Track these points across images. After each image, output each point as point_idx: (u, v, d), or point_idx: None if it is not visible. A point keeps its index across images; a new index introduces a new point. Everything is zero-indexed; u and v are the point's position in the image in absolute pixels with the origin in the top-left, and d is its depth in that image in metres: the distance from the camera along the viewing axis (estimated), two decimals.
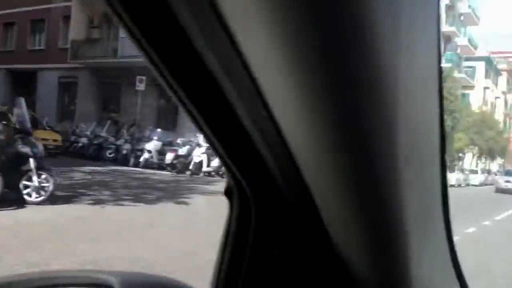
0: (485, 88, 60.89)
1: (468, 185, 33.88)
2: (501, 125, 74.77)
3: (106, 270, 1.41)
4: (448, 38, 43.15)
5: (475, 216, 12.79)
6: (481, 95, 58.79)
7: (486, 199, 21.37)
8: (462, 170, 33.66)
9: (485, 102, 60.36)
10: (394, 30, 0.41)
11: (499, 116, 71.98)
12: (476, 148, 45.19)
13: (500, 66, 73.18)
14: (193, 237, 6.57)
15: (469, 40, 46.86)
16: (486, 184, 38.93)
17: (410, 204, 0.57)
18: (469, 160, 48.09)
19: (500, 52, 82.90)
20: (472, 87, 57.76)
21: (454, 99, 28.73)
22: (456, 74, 46.97)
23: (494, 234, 10.00)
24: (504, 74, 76.57)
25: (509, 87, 79.85)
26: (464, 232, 9.55)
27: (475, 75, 57.73)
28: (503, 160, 66.73)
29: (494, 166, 67.73)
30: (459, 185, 30.73)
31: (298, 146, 0.55)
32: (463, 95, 52.83)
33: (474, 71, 58.31)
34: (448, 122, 27.82)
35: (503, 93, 75.20)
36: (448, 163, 34.19)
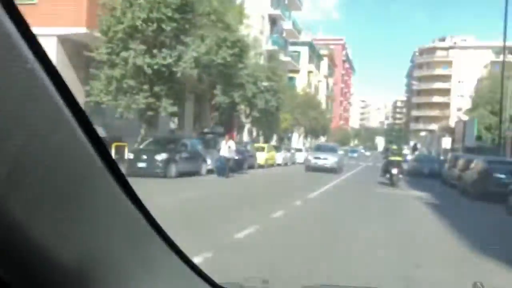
0: (309, 72, 65.00)
1: (294, 163, 35.06)
2: (324, 106, 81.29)
3: None
4: (274, 21, 44.11)
5: (286, 197, 12.06)
6: (305, 78, 62.44)
7: (300, 177, 21.39)
8: (288, 149, 34.48)
9: (309, 85, 64.37)
10: None
11: (322, 98, 78.05)
12: (302, 128, 47.59)
13: (322, 52, 79.21)
14: None
15: (293, 24, 48.67)
16: None
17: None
18: (296, 139, 50.70)
19: (322, 39, 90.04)
20: (297, 71, 61.02)
21: (278, 80, 28.86)
22: (282, 57, 48.62)
23: (302, 218, 9.01)
24: (326, 59, 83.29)
25: (330, 71, 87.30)
26: (271, 217, 8.40)
27: (300, 59, 61.13)
28: (325, 138, 72.83)
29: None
30: (286, 164, 31.39)
31: None
32: (290, 78, 55.39)
33: (299, 56, 61.70)
34: (273, 103, 27.84)
35: (325, 77, 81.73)
36: (276, 143, 34.10)
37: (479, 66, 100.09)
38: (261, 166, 25.68)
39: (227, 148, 16.98)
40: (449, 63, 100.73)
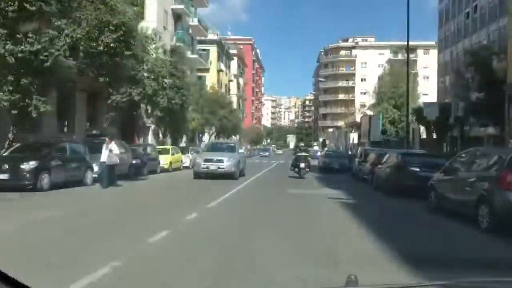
0: (219, 71, 63.12)
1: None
2: (235, 106, 79.97)
3: None
4: (179, 17, 41.57)
5: (178, 209, 9.87)
6: (215, 77, 60.51)
7: (204, 181, 18.96)
8: (197, 151, 32.20)
9: (219, 84, 62.59)
10: None
11: (233, 97, 76.63)
12: (213, 127, 45.48)
13: (231, 51, 77.82)
14: None
15: (200, 21, 46.43)
16: None
17: None
18: (207, 139, 48.56)
19: (231, 39, 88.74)
20: (207, 70, 58.98)
21: (181, 76, 26.46)
22: (189, 55, 46.18)
23: (192, 239, 6.84)
24: (235, 58, 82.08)
25: (240, 71, 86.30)
26: (148, 243, 6.15)
27: (209, 58, 59.09)
28: (238, 137, 71.57)
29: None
30: (193, 167, 29.23)
31: None
32: (199, 77, 53.13)
33: (208, 54, 59.65)
34: (176, 100, 25.43)
35: (236, 76, 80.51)
36: (186, 144, 31.48)
37: (379, 64, 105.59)
38: (165, 170, 23.19)
39: (107, 152, 14.05)
40: (352, 62, 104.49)
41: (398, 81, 39.87)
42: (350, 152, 38.31)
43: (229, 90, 71.85)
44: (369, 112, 45.67)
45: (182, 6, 39.92)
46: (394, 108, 39.99)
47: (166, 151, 24.39)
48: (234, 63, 78.83)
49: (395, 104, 39.69)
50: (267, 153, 67.27)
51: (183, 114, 28.29)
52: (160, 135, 31.10)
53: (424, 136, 36.06)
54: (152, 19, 34.71)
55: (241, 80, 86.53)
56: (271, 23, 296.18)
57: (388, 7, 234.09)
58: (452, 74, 52.17)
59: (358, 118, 62.05)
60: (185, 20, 43.59)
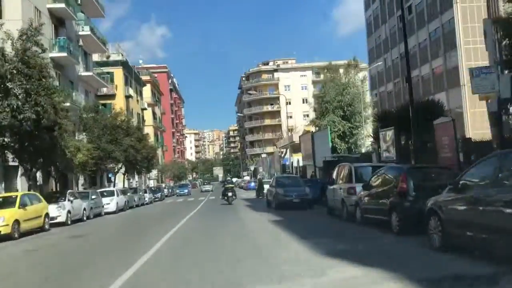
0: (128, 96, 52.54)
1: (100, 215, 22.34)
2: (152, 138, 68.93)
3: None
4: (61, 21, 31.03)
5: None
6: (123, 104, 49.82)
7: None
8: (85, 195, 21.47)
9: (130, 113, 52.03)
10: None
11: (149, 129, 65.94)
12: (120, 163, 34.65)
13: (144, 77, 67.80)
14: None
15: (92, 30, 36.00)
16: (131, 207, 28.84)
17: None
18: (119, 178, 37.64)
19: (143, 67, 78.53)
20: (113, 96, 48.44)
21: (38, 76, 15.92)
22: (82, 71, 35.42)
23: None
24: (149, 85, 71.92)
25: (155, 99, 75.94)
26: None
27: (113, 81, 48.64)
28: (155, 173, 60.85)
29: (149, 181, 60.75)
30: (81, 219, 18.48)
31: None
32: (104, 105, 42.38)
33: (113, 77, 49.22)
34: (28, 113, 14.88)
35: (150, 105, 70.14)
36: (82, 188, 20.05)
37: (303, 85, 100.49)
38: (3, 237, 12.53)
39: None
40: (275, 86, 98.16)
41: (343, 87, 32.60)
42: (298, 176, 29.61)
43: (143, 119, 61.14)
44: (311, 128, 37.73)
45: (62, 5, 29.49)
46: (342, 120, 32.24)
47: (8, 202, 13.66)
48: (147, 90, 68.30)
49: (344, 114, 32.05)
50: (185, 191, 51.99)
51: (53, 140, 17.64)
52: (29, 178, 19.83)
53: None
54: (15, 18, 24.14)
55: (157, 110, 75.97)
56: (188, 59, 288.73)
57: (306, 28, 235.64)
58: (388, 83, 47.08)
59: (296, 138, 54.12)
60: (71, 27, 33.09)
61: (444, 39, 39.41)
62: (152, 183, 59.30)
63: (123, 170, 36.46)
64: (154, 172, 54.76)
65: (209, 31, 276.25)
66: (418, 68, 41.26)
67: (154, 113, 71.33)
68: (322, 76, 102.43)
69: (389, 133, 17.32)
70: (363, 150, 29.64)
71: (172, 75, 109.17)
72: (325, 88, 33.83)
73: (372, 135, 24.34)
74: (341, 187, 13.70)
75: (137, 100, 58.81)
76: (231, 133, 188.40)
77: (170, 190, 48.50)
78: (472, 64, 39.15)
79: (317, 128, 35.31)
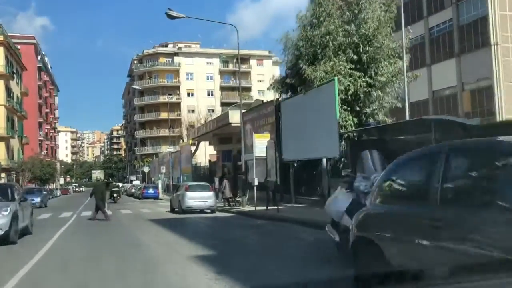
0: None
1: None
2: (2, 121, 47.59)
3: None
4: None
5: None
6: None
7: None
8: None
9: None
10: None
11: None
12: None
13: None
14: None
15: None
16: None
17: None
18: None
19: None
20: None
21: None
22: None
23: None
24: (1, 48, 50.36)
25: (10, 70, 53.74)
26: None
27: None
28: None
29: None
30: None
31: None
32: None
33: None
34: None
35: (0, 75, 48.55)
36: None
37: (208, 75, 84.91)
38: None
39: None
40: (175, 72, 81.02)
41: (358, 9, 17.58)
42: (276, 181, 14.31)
43: None
44: (274, 95, 22.21)
45: None
46: (354, 70, 17.11)
47: None
48: None
49: (356, 60, 16.85)
50: (35, 200, 28.83)
51: None
52: None
53: None
54: None
55: (14, 86, 54.21)
56: (70, 54, 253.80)
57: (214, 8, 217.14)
58: None
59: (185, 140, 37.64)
60: None
61: None
62: None
63: None
64: None
65: (95, 23, 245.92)
66: None
67: (8, 89, 49.83)
68: (231, 66, 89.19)
69: None
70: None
71: (43, 53, 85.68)
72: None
73: None
74: None
75: None
76: (115, 133, 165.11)
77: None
78: (507, 14, 27.64)
79: (288, 93, 20.04)
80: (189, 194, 18.72)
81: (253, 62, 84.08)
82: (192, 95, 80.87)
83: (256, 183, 17.55)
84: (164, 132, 79.79)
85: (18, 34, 70.85)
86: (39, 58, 77.58)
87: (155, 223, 14.91)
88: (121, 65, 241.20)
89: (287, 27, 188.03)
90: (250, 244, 9.58)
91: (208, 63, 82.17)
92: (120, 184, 71.63)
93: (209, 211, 19.08)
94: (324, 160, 17.15)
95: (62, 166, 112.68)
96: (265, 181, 17.50)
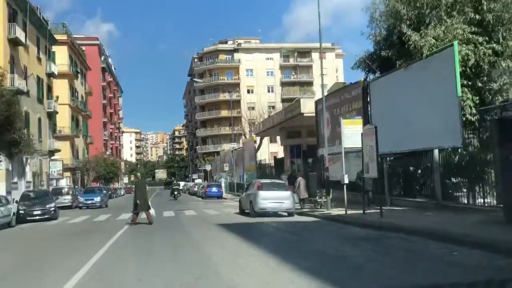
0: (13, 41, 31.43)
1: None
2: (67, 118, 47.24)
3: None
4: None
5: None
6: (2, 53, 28.92)
7: None
8: None
9: (16, 66, 31.37)
10: None
11: (60, 107, 44.80)
12: None
13: (58, 37, 46.36)
14: None
15: None
16: None
17: None
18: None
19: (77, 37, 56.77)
20: None
21: None
22: None
23: None
24: (65, 48, 50.39)
25: (74, 69, 53.82)
26: None
27: None
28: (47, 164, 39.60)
29: None
30: None
31: None
32: None
33: None
34: None
35: (65, 75, 48.47)
36: None
37: (268, 71, 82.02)
38: None
39: None
40: (235, 69, 78.80)
41: None
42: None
43: (50, 89, 39.83)
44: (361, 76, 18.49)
45: None
46: (475, 34, 13.04)
47: None
48: (62, 53, 46.69)
49: (478, 21, 12.89)
50: (95, 200, 27.30)
51: None
52: None
53: None
54: None
55: (79, 86, 54.26)
56: (134, 58, 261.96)
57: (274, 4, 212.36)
58: None
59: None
60: None
61: None
62: (55, 183, 37.90)
63: None
64: (35, 160, 33.37)
65: (158, 28, 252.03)
66: None
67: (72, 88, 49.67)
68: (291, 61, 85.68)
69: None
70: None
71: (107, 54, 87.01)
72: None
73: None
74: None
75: (38, 58, 37.32)
76: (177, 133, 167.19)
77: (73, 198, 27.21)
78: None
79: (377, 73, 16.28)
80: (263, 193, 15.63)
81: (315, 55, 79.98)
82: (252, 92, 78.24)
83: (346, 180, 14.07)
84: (225, 130, 77.90)
85: (82, 36, 71.84)
86: (102, 59, 78.47)
87: (226, 229, 11.92)
88: (182, 66, 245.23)
89: (348, 23, 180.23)
90: (375, 270, 6.19)
91: (268, 59, 79.24)
92: (183, 183, 70.67)
93: (285, 214, 15.91)
94: (436, 152, 13.33)
95: (127, 166, 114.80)
96: (357, 179, 14.01)
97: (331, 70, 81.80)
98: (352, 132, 14.11)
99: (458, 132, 11.79)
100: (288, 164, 29.29)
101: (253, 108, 72.94)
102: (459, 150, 13.21)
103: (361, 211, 13.29)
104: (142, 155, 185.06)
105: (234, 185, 38.21)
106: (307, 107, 23.22)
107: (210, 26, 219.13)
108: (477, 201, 13.14)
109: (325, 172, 15.94)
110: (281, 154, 45.14)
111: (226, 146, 68.52)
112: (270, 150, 58.89)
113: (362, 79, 17.42)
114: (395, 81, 15.03)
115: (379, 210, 13.00)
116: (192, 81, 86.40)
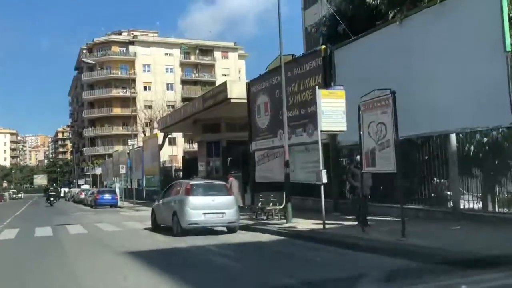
0: None
1: None
2: None
3: None
4: None
5: None
6: None
7: None
8: None
9: None
10: None
11: None
12: None
13: None
14: None
15: None
16: None
17: None
18: None
19: None
20: None
21: None
22: None
23: None
24: None
25: None
26: None
27: None
28: None
29: None
30: None
31: None
32: None
33: None
34: None
35: None
36: None
37: (168, 67, 75.26)
38: None
39: None
40: (130, 63, 70.73)
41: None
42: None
43: None
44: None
45: None
46: None
47: None
48: None
49: None
50: None
51: None
52: None
53: None
54: None
55: None
56: (7, 58, 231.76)
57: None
58: None
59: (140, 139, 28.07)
60: None
61: None
62: None
63: None
64: None
65: (39, 23, 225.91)
66: None
67: None
68: (193, 58, 79.90)
69: None
70: None
71: None
72: None
73: None
74: None
75: None
76: (60, 135, 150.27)
77: None
78: None
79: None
80: (194, 200, 10.36)
81: (217, 54, 75.59)
82: (150, 89, 70.93)
83: (324, 179, 9.43)
84: (118, 130, 69.31)
85: None
86: None
87: (145, 267, 6.41)
88: (69, 62, 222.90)
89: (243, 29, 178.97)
90: None
91: (167, 54, 72.69)
92: (66, 189, 60.94)
93: (224, 229, 10.79)
94: (453, 138, 9.32)
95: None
96: (349, 176, 9.52)
97: (234, 70, 78.00)
98: (332, 109, 9.49)
99: (508, 105, 7.81)
100: (204, 164, 23.98)
101: (150, 107, 65.89)
102: (477, 135, 9.37)
103: (334, 222, 8.80)
104: (18, 159, 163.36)
105: (133, 191, 31.62)
106: (235, 91, 18.28)
107: (101, 14, 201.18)
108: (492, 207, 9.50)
109: (286, 167, 11.08)
110: (180, 157, 39.40)
111: (119, 148, 60.59)
112: (170, 152, 52.65)
113: (323, 47, 12.99)
114: (383, 43, 10.83)
115: (356, 222, 8.70)
116: (79, 75, 76.11)
